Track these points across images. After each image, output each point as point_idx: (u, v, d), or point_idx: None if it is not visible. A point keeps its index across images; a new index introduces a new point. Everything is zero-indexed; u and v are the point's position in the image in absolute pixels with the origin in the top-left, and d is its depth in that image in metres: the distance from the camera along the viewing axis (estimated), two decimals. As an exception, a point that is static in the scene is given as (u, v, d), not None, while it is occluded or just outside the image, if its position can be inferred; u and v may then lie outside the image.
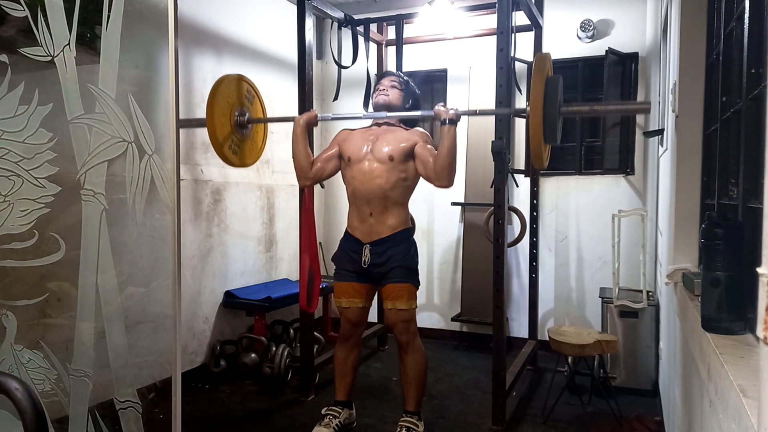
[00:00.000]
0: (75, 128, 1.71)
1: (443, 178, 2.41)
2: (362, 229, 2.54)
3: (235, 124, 2.49)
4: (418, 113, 2.58)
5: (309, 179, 2.62)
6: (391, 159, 2.48)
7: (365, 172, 2.49)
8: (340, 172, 2.63)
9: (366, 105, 3.49)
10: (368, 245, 2.52)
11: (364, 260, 2.52)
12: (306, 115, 2.60)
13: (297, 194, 3.50)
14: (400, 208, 2.54)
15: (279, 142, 4.16)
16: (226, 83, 2.44)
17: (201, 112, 3.42)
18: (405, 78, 2.72)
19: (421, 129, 2.61)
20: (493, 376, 2.73)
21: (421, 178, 2.58)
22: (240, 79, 2.53)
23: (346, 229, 2.64)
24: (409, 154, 2.50)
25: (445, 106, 2.41)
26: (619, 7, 3.80)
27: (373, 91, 2.68)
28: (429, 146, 2.49)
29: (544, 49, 3.55)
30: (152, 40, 2.20)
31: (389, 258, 2.50)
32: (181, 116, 1.80)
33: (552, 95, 2.03)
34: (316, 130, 4.09)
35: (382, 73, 2.76)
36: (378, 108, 2.61)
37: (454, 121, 2.38)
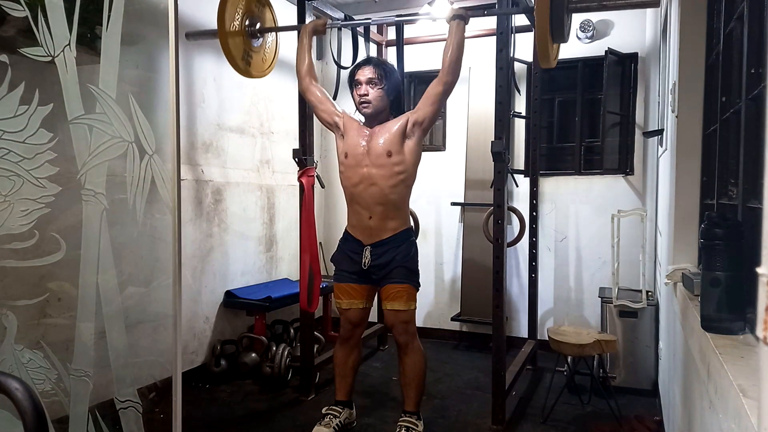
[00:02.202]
0: (75, 128, 1.71)
1: (450, 72, 2.43)
2: (362, 231, 2.53)
3: (247, 33, 2.52)
4: (422, 16, 2.59)
5: (303, 86, 2.67)
6: (389, 154, 2.45)
7: (363, 178, 2.48)
8: (338, 170, 2.62)
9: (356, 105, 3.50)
10: (369, 247, 2.52)
11: (364, 262, 2.52)
12: (313, 21, 2.64)
13: (297, 194, 3.50)
14: (400, 209, 2.54)
15: (279, 142, 4.16)
16: None
17: (201, 112, 3.44)
18: (381, 65, 2.59)
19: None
20: (492, 375, 2.73)
21: (419, 180, 2.58)
22: None
23: (345, 229, 2.63)
24: (404, 133, 2.47)
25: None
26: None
27: (352, 88, 2.59)
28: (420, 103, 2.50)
29: (544, 49, 3.55)
30: (152, 40, 2.21)
31: (390, 259, 2.49)
32: (182, 118, 1.81)
33: None
34: (316, 129, 4.09)
35: (354, 68, 2.63)
36: (367, 118, 2.56)
37: (462, 17, 2.41)
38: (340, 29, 3.59)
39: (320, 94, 2.66)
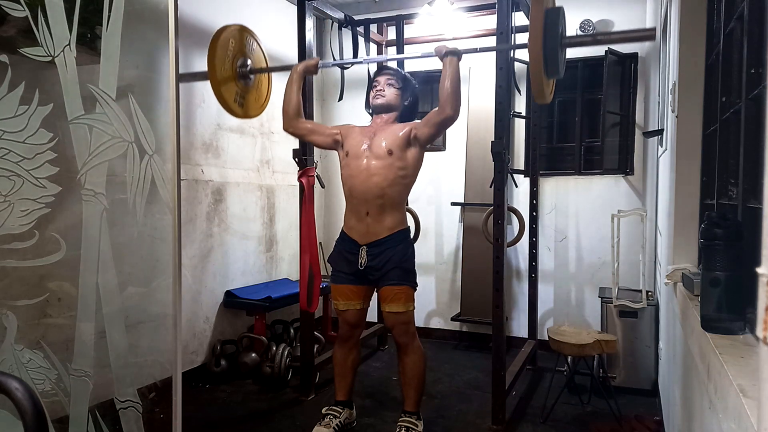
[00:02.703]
0: (75, 128, 1.71)
1: (448, 106, 2.36)
2: (359, 230, 2.53)
3: (238, 75, 2.48)
4: (418, 54, 2.56)
5: (290, 126, 2.65)
6: (390, 153, 2.47)
7: (363, 170, 2.49)
8: (339, 169, 2.63)
9: (367, 105, 3.49)
10: (365, 247, 2.51)
11: (361, 262, 2.51)
12: (305, 62, 2.61)
13: (297, 194, 3.50)
14: (398, 207, 2.54)
15: (279, 143, 4.16)
16: (225, 34, 2.41)
17: (201, 113, 3.44)
18: (403, 73, 2.69)
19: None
20: (492, 375, 2.73)
21: (417, 180, 2.58)
22: (240, 29, 2.49)
23: (342, 230, 2.63)
24: (408, 141, 2.49)
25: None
26: (618, 7, 3.80)
27: (370, 89, 2.66)
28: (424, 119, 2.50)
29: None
30: (152, 40, 2.21)
31: (386, 260, 2.49)
32: (182, 118, 1.81)
33: (552, 27, 1.95)
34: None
35: (378, 70, 2.71)
36: (376, 110, 2.61)
37: (455, 53, 2.36)
38: (340, 29, 3.60)
39: (311, 126, 2.67)
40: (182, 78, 2.71)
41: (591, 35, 2.20)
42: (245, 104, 2.53)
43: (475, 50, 2.87)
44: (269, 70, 2.66)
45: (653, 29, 1.92)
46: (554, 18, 1.95)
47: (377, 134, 2.53)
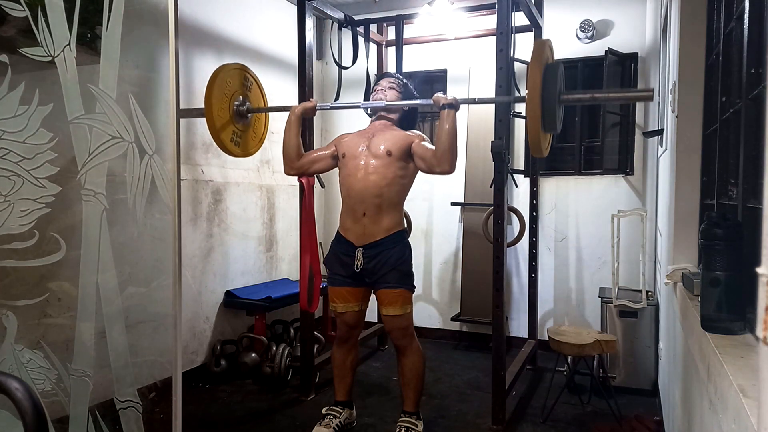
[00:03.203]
0: (75, 128, 1.71)
1: (444, 162, 2.36)
2: (355, 231, 2.51)
3: (235, 114, 2.46)
4: (417, 102, 2.55)
5: (293, 169, 2.62)
6: (389, 154, 2.46)
7: (360, 168, 2.48)
8: (337, 170, 2.63)
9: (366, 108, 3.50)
10: (361, 249, 2.50)
11: (357, 264, 2.50)
12: (303, 105, 2.59)
13: (297, 194, 3.50)
14: (395, 208, 2.52)
15: (279, 143, 4.14)
16: (224, 73, 2.42)
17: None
18: (404, 80, 2.71)
19: (418, 131, 2.62)
20: (492, 375, 2.73)
21: (416, 179, 2.58)
22: (239, 68, 2.50)
23: (337, 231, 2.62)
24: (407, 153, 2.48)
25: (444, 94, 2.39)
26: (618, 7, 3.80)
27: (371, 92, 2.68)
28: (425, 143, 2.48)
29: (544, 49, 3.55)
30: (152, 40, 2.21)
31: (383, 263, 2.47)
32: (182, 119, 1.81)
33: (551, 82, 1.97)
34: (316, 132, 4.09)
35: (380, 75, 2.75)
36: (376, 110, 2.62)
37: (453, 105, 2.35)
38: (340, 29, 3.60)
39: (312, 157, 2.63)
40: (181, 114, 2.69)
41: (589, 91, 2.23)
42: (243, 144, 2.52)
43: (473, 101, 2.90)
44: (266, 110, 2.65)
45: (651, 90, 1.95)
46: (553, 73, 1.98)
47: (376, 136, 2.53)
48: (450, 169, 2.38)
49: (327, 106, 2.74)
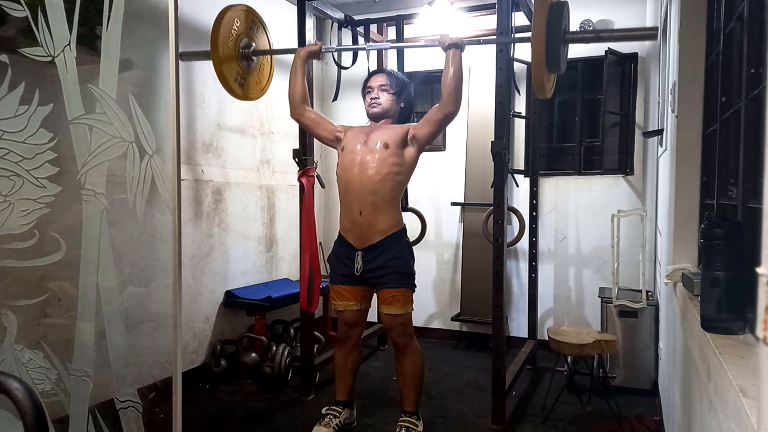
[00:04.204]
0: (75, 128, 1.71)
1: (450, 103, 2.38)
2: (354, 232, 2.51)
3: (241, 55, 2.48)
4: (423, 43, 2.55)
5: (296, 114, 2.65)
6: (386, 147, 2.46)
7: (356, 164, 2.48)
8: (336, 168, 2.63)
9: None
10: (361, 252, 2.50)
11: (357, 267, 2.51)
12: (308, 47, 2.60)
13: (297, 194, 3.50)
14: (391, 206, 2.50)
15: (279, 143, 4.16)
16: (231, 13, 2.40)
17: (201, 113, 3.44)
18: (395, 75, 2.66)
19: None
20: (492, 375, 2.73)
21: (416, 179, 2.58)
22: (246, 10, 2.49)
23: (339, 231, 2.62)
24: (404, 141, 2.48)
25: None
26: (618, 7, 3.80)
27: (364, 96, 2.64)
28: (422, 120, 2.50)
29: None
30: (152, 40, 2.21)
31: (382, 265, 2.47)
32: (182, 118, 1.81)
33: (556, 22, 1.94)
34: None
35: (369, 75, 2.71)
36: (373, 119, 2.61)
37: (458, 45, 2.36)
38: (340, 29, 3.59)
39: (316, 116, 2.67)
40: (183, 56, 2.72)
41: (593, 31, 2.20)
42: (246, 86, 2.54)
43: (478, 41, 2.87)
44: (272, 52, 2.67)
45: (655, 28, 1.93)
46: (558, 13, 1.95)
47: (374, 131, 2.54)
48: (455, 109, 2.41)
49: (332, 48, 2.76)
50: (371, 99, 2.59)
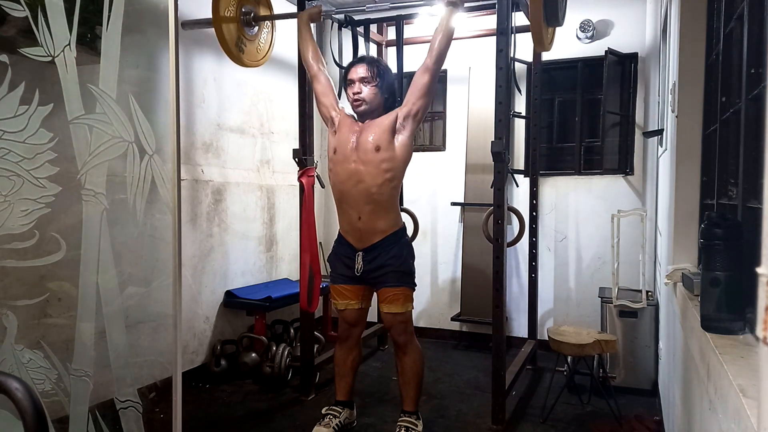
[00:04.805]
0: (75, 128, 1.71)
1: (437, 59, 2.45)
2: (353, 235, 2.51)
3: (242, 21, 2.52)
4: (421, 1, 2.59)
5: (311, 72, 2.68)
6: (378, 149, 2.42)
7: (350, 175, 2.45)
8: (327, 168, 2.61)
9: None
10: (361, 252, 2.50)
11: (357, 267, 2.51)
12: (308, 10, 2.69)
13: (297, 194, 3.50)
14: (389, 209, 2.50)
15: (279, 143, 4.16)
16: None
17: (201, 113, 3.44)
18: (376, 62, 2.59)
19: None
20: (492, 375, 2.73)
21: (417, 179, 2.58)
22: None
23: (339, 231, 2.62)
24: (394, 128, 2.45)
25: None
26: (618, 7, 3.80)
27: (346, 89, 2.56)
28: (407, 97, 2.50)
29: (544, 49, 3.56)
30: (152, 40, 2.21)
31: (382, 264, 2.47)
32: (182, 118, 1.81)
33: None
34: (316, 132, 4.08)
35: (350, 63, 2.63)
36: (360, 116, 2.55)
37: (457, 4, 2.44)
38: (340, 29, 3.59)
39: (325, 84, 2.64)
40: (185, 24, 2.75)
41: None
42: (246, 51, 2.57)
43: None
44: (272, 17, 2.71)
45: None
46: None
47: (364, 131, 2.48)
48: (440, 66, 2.49)
49: (333, 10, 2.80)
50: (354, 94, 2.50)
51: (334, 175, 2.53)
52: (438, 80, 3.60)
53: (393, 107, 2.57)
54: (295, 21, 3.11)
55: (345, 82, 2.58)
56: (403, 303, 2.51)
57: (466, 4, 3.64)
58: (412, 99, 2.45)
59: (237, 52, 2.52)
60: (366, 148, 2.43)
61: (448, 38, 2.45)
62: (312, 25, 3.12)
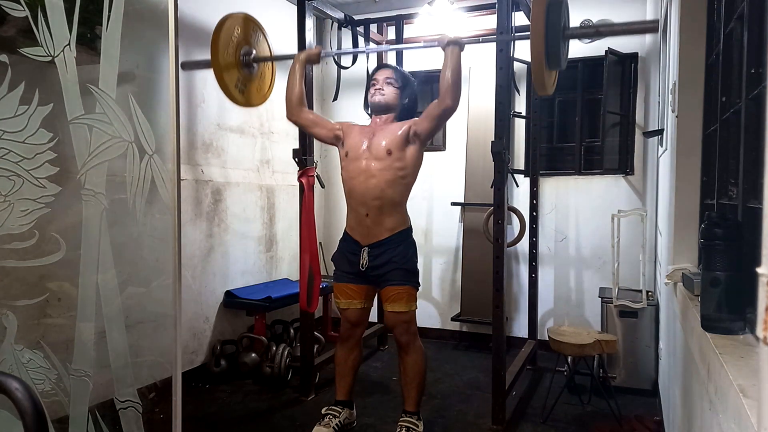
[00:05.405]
0: (75, 128, 1.71)
1: (448, 97, 2.36)
2: (360, 231, 2.53)
3: (242, 63, 2.48)
4: (422, 44, 2.55)
5: (293, 115, 2.65)
6: (389, 153, 2.46)
7: (362, 171, 2.48)
8: (340, 169, 2.63)
9: (366, 105, 3.49)
10: (366, 248, 2.51)
11: (362, 263, 2.51)
12: (307, 51, 2.62)
13: (297, 194, 3.50)
14: (397, 208, 2.52)
15: (279, 143, 4.16)
16: (231, 21, 2.41)
17: (201, 113, 3.44)
18: (402, 71, 2.67)
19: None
20: (492, 375, 2.73)
21: (419, 180, 2.58)
22: (246, 18, 2.49)
23: (345, 229, 2.63)
24: (406, 138, 2.47)
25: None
26: (618, 7, 3.80)
27: (369, 87, 2.64)
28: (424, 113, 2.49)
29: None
30: (152, 40, 2.21)
31: (387, 261, 2.48)
32: (182, 119, 1.81)
33: (554, 17, 1.92)
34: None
35: (377, 67, 2.73)
36: (375, 109, 2.60)
37: (458, 43, 2.36)
38: (340, 29, 3.59)
39: (313, 117, 2.68)
40: (185, 66, 2.72)
41: (594, 27, 2.17)
42: (246, 92, 2.54)
43: (477, 40, 2.87)
44: (272, 59, 2.67)
45: (656, 21, 1.92)
46: (557, 9, 1.93)
47: (376, 134, 2.53)
48: (453, 104, 2.39)
49: (332, 53, 2.76)
50: (375, 89, 2.58)
51: (346, 172, 2.56)
52: (438, 80, 3.57)
53: (409, 117, 2.62)
54: (294, 17, 3.12)
55: (368, 83, 2.66)
56: (407, 302, 2.51)
57: (467, 4, 3.66)
58: (420, 120, 2.48)
59: (238, 95, 2.48)
60: (378, 149, 2.48)
61: (456, 75, 2.35)
62: (311, 26, 3.13)
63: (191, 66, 2.80)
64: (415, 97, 2.67)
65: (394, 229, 2.50)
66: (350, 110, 4.45)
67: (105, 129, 1.72)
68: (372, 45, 3.80)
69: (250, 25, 2.49)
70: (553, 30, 1.91)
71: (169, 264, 1.77)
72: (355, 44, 3.60)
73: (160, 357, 2.16)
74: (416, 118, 2.52)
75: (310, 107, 3.05)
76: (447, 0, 3.59)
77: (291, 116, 2.66)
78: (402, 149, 2.47)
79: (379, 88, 2.57)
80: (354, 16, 3.65)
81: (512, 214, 3.79)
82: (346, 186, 2.56)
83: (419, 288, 2.59)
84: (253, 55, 2.51)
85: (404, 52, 3.80)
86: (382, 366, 3.76)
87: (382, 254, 2.49)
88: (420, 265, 2.65)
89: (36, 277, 1.86)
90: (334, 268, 2.68)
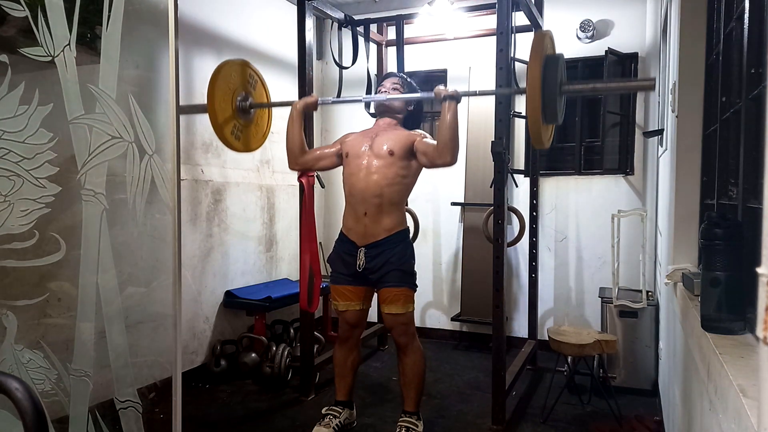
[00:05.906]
0: (75, 128, 1.71)
1: (446, 153, 2.35)
2: (357, 230, 2.52)
3: (238, 109, 2.46)
4: (418, 95, 2.55)
5: (298, 164, 2.64)
6: (392, 154, 2.47)
7: (362, 168, 2.49)
8: (341, 169, 2.64)
9: (367, 106, 3.49)
10: (363, 249, 2.51)
11: (359, 264, 2.51)
12: (304, 100, 2.60)
13: (297, 194, 3.50)
14: (396, 208, 2.52)
15: (279, 143, 4.14)
16: (227, 68, 2.41)
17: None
18: (408, 80, 2.71)
19: (420, 130, 2.62)
20: (492, 375, 2.73)
21: (419, 180, 2.59)
22: (242, 64, 2.49)
23: (340, 230, 2.63)
24: (410, 152, 2.49)
25: (445, 86, 2.39)
26: (618, 7, 3.80)
27: (372, 91, 2.69)
28: (427, 139, 2.49)
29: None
30: (152, 40, 2.21)
31: (385, 262, 2.48)
32: (182, 119, 1.81)
33: (551, 74, 1.94)
34: (316, 131, 4.09)
35: (384, 75, 2.78)
36: (379, 110, 2.63)
37: (454, 97, 2.34)
38: (340, 29, 3.59)
39: (317, 154, 2.66)
40: (182, 110, 2.69)
41: (590, 81, 2.18)
42: (243, 138, 2.50)
43: (474, 93, 2.90)
44: (269, 105, 2.65)
45: (653, 79, 1.93)
46: (553, 65, 1.94)
47: (379, 135, 2.54)
48: (451, 161, 2.39)
49: (329, 100, 2.75)
50: (382, 93, 2.61)
51: (347, 170, 2.57)
52: (439, 80, 3.61)
53: (416, 125, 2.67)
54: (294, 17, 3.12)
55: (372, 90, 2.69)
56: (404, 304, 2.51)
57: (466, 4, 3.66)
58: (421, 149, 2.46)
59: (234, 141, 2.46)
60: (380, 149, 2.49)
61: (453, 130, 2.32)
62: (311, 26, 3.13)
63: (187, 111, 2.78)
64: (420, 106, 2.70)
65: (392, 230, 2.50)
66: (350, 111, 4.45)
67: (105, 129, 1.72)
68: (372, 51, 3.80)
69: (245, 71, 2.49)
70: (550, 86, 1.92)
71: (168, 264, 1.78)
72: (355, 44, 3.60)
73: (160, 357, 2.16)
74: (422, 136, 2.50)
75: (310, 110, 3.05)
76: (447, 0, 3.59)
77: (295, 166, 2.65)
78: (405, 155, 2.49)
79: (384, 91, 2.61)
80: (354, 16, 3.64)
81: (512, 214, 3.79)
82: (347, 184, 2.57)
83: (416, 289, 2.59)
84: (249, 102, 2.49)
85: (404, 49, 3.81)
86: (382, 366, 3.76)
87: (379, 255, 2.49)
88: (420, 265, 2.65)
89: (36, 277, 1.86)
90: (330, 270, 2.68)
